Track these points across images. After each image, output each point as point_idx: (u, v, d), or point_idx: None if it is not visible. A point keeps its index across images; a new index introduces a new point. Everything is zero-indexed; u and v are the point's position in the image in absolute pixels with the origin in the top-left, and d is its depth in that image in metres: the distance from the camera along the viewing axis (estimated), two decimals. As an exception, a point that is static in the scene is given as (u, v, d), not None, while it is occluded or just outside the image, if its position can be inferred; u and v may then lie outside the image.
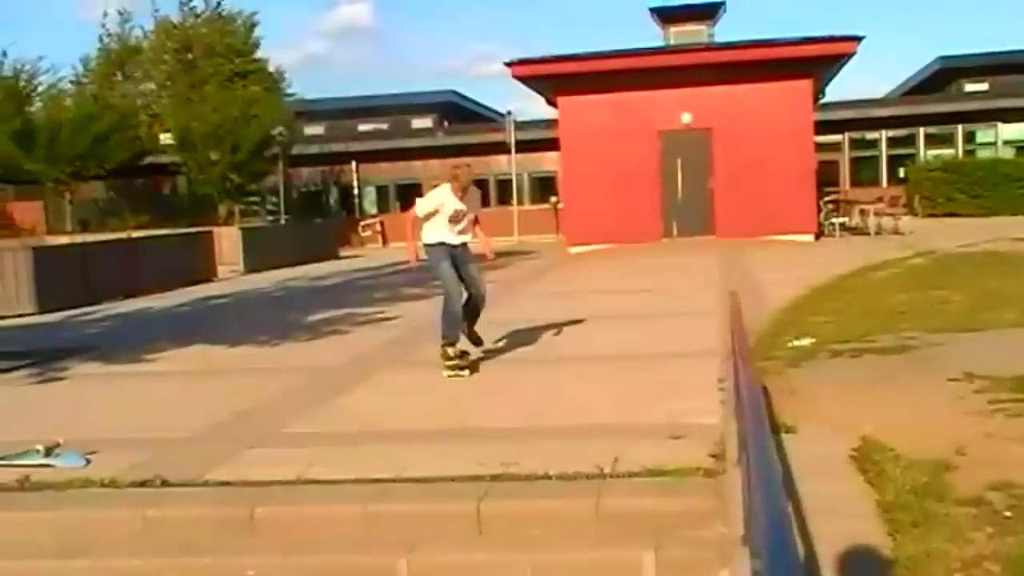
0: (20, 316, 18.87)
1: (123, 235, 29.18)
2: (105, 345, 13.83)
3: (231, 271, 26.59)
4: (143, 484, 6.65)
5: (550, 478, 6.12)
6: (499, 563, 5.50)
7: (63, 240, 30.82)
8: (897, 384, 7.70)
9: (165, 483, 6.64)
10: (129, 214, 40.97)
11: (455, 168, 9.91)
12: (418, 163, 39.94)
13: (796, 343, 9.76)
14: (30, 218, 42.66)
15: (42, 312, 19.20)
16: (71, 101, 43.10)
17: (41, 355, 12.81)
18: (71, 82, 45.70)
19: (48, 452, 7.25)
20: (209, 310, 18.38)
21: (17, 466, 7.12)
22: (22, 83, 41.50)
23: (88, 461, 7.16)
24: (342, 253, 32.72)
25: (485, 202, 40.03)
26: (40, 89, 42.67)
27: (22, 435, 7.71)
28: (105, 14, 49.29)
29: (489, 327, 13.39)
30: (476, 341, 10.31)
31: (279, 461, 6.86)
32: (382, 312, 15.02)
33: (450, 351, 9.67)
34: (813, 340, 9.79)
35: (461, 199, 9.79)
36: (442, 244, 9.83)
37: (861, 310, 11.69)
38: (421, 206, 9.91)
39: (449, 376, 9.43)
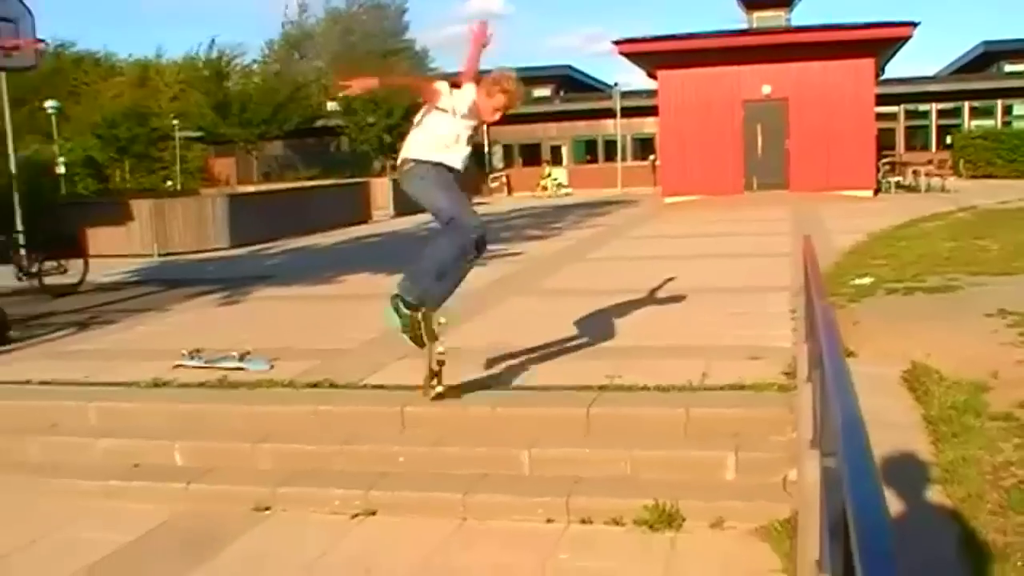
0: (217, 250, 19.38)
1: (297, 185, 29.71)
2: (283, 274, 14.13)
3: (383, 215, 26.91)
4: (315, 385, 6.79)
5: (648, 389, 6.10)
6: (603, 457, 5.50)
7: (250, 189, 31.46)
8: (942, 318, 7.53)
9: (333, 385, 6.78)
10: (302, 168, 41.71)
11: (506, 79, 5.72)
12: (538, 126, 39.90)
13: (857, 281, 9.55)
14: (225, 171, 43.65)
15: (234, 247, 19.69)
16: (258, 77, 43.94)
17: (234, 281, 13.16)
18: (257, 62, 46.55)
19: (241, 358, 7.46)
20: (366, 246, 18.63)
21: (218, 368, 7.35)
22: (223, 64, 42.47)
23: (272, 366, 7.34)
24: (475, 200, 32.86)
25: (594, 159, 39.98)
26: (236, 68, 43.65)
27: (220, 344, 7.95)
28: (287, 6, 50.72)
29: (595, 263, 13.36)
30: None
31: (424, 369, 6.93)
32: (508, 249, 15.05)
33: (416, 313, 5.84)
34: (872, 279, 9.58)
35: (479, 122, 5.91)
36: (441, 165, 5.75)
37: (913, 255, 11.39)
38: (445, 99, 5.68)
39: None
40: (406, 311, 5.83)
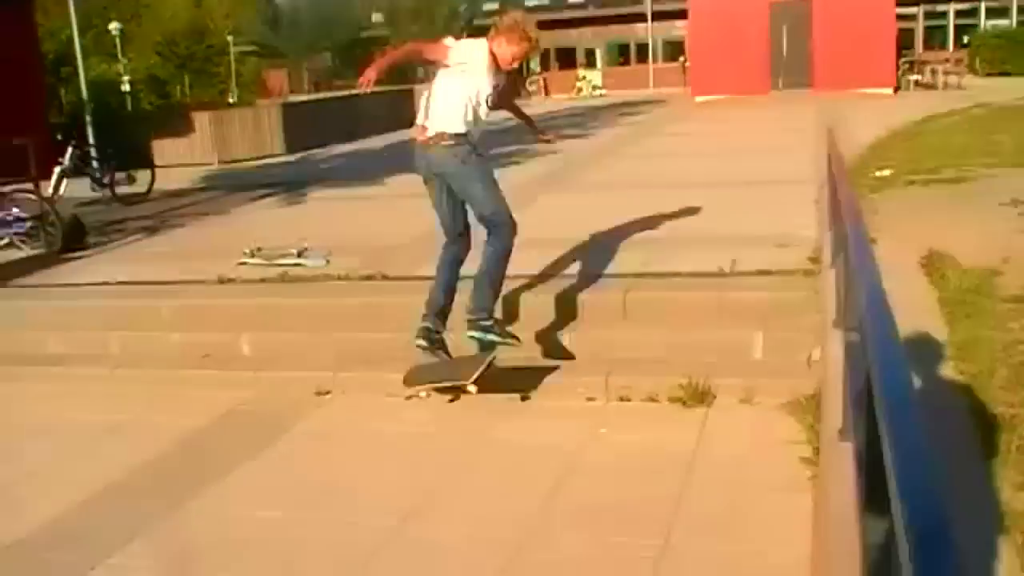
0: (273, 156, 19.37)
1: (346, 93, 29.46)
2: (336, 176, 14.11)
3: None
4: (369, 278, 6.82)
5: (681, 276, 6.06)
6: (640, 338, 5.51)
7: (302, 98, 31.32)
8: (958, 207, 7.42)
9: (385, 277, 6.80)
10: (350, 77, 41.39)
11: (529, 26, 5.10)
12: (573, 31, 39.26)
13: (878, 173, 9.37)
14: (277, 83, 43.51)
15: (288, 153, 19.67)
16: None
17: (290, 184, 13.17)
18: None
19: (299, 254, 7.49)
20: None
21: (278, 265, 7.39)
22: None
23: (328, 261, 7.37)
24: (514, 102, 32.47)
25: (627, 61, 39.18)
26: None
27: (279, 242, 7.97)
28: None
29: (629, 160, 13.21)
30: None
31: (470, 260, 6.89)
32: (545, 148, 14.87)
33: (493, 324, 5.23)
34: (892, 171, 9.40)
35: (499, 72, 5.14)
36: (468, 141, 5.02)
37: (930, 148, 11.15)
38: (454, 53, 4.99)
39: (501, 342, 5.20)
40: (493, 334, 5.15)
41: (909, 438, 1.36)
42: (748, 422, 4.74)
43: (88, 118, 14.07)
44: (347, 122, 21.98)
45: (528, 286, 6.22)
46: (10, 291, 7.94)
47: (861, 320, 2.04)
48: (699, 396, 4.97)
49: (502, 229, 5.08)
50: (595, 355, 5.49)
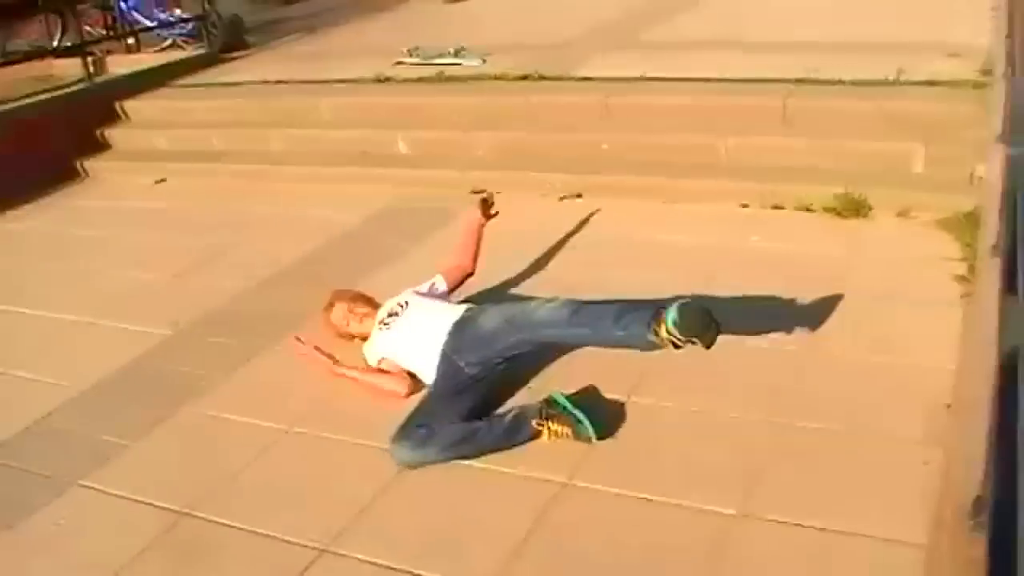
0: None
1: None
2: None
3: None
4: (525, 78, 6.92)
5: (844, 83, 5.94)
6: (797, 147, 5.49)
7: None
8: None
9: (542, 77, 6.88)
10: None
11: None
12: None
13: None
14: None
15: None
16: None
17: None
18: None
19: (456, 54, 7.65)
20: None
21: (435, 64, 7.57)
22: None
23: (484, 61, 7.50)
24: None
25: None
26: None
27: (435, 41, 8.11)
28: None
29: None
30: None
31: (627, 64, 6.90)
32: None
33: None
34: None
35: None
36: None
37: None
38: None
39: None
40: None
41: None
42: (902, 236, 4.76)
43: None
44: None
45: (687, 88, 6.22)
46: (174, 91, 8.43)
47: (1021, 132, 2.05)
48: (854, 207, 5.01)
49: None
50: (750, 162, 5.54)
